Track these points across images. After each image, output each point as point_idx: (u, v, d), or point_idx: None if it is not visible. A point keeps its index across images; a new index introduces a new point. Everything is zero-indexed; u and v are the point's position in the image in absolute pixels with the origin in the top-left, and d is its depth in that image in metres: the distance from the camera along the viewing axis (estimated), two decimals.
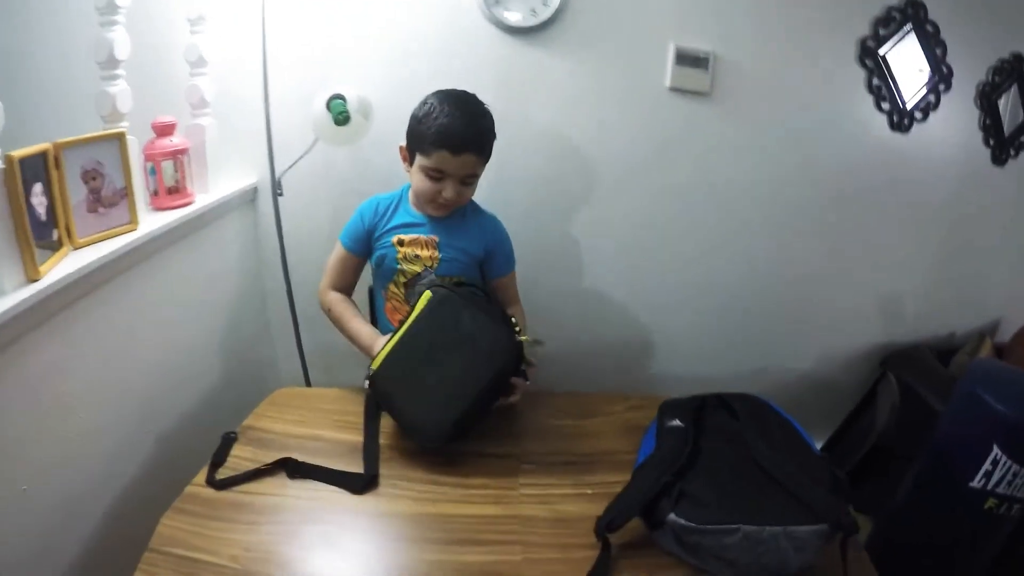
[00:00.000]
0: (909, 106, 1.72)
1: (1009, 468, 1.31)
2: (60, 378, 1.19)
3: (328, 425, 1.35)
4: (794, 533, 0.91)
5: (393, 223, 1.46)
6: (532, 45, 1.67)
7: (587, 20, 1.66)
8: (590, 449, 1.29)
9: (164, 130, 1.48)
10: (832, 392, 1.97)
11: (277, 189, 1.68)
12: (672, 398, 1.28)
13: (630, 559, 1.01)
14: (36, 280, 1.11)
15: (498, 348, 1.25)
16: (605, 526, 1.01)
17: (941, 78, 1.73)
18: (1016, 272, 2.00)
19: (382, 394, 1.28)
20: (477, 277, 1.51)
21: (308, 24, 1.66)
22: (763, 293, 1.91)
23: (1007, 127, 1.84)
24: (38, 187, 1.15)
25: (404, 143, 1.41)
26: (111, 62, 1.33)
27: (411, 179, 1.42)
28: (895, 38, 1.68)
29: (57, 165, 1.20)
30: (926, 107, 1.74)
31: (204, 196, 1.60)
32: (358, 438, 1.30)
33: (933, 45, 1.71)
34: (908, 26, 1.68)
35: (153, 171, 1.46)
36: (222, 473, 1.19)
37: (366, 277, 1.59)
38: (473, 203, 1.49)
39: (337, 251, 1.51)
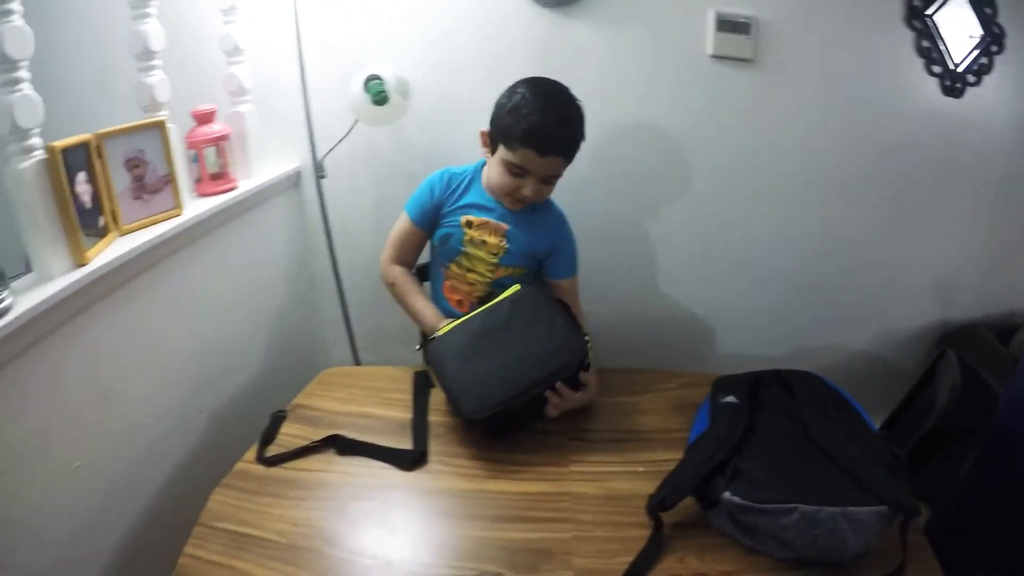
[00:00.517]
0: (961, 69, 1.63)
1: None
2: (110, 360, 1.20)
3: (376, 403, 1.33)
4: (853, 514, 0.86)
5: (463, 201, 1.39)
6: (569, 17, 1.62)
7: None
8: (641, 426, 1.25)
9: (204, 118, 1.47)
10: (888, 372, 1.88)
11: (319, 172, 1.66)
12: (726, 375, 1.23)
13: (682, 539, 0.97)
14: (83, 265, 1.12)
15: (565, 348, 1.20)
16: (657, 504, 0.97)
17: (993, 39, 1.62)
18: None
19: (437, 357, 1.23)
20: (538, 272, 1.46)
21: (341, 6, 1.64)
22: (814, 268, 1.83)
23: None
24: (82, 176, 1.16)
25: (487, 128, 1.34)
26: (147, 54, 1.33)
27: (490, 167, 1.36)
28: None
29: (100, 154, 1.21)
30: (979, 70, 1.63)
31: (247, 181, 1.60)
32: (406, 415, 1.28)
33: (983, 3, 1.61)
34: None
35: (196, 158, 1.46)
36: (271, 451, 1.18)
37: None
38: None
39: (402, 222, 1.44)
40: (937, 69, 1.63)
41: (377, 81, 1.44)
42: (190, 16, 1.58)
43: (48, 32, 1.04)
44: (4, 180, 1.04)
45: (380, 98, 1.43)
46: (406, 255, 1.46)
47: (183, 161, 1.40)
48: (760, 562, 0.92)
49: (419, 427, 1.23)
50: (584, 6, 1.60)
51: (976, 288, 1.84)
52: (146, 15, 1.32)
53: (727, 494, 0.92)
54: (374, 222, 1.78)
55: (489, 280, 1.40)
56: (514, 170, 1.28)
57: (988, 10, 1.61)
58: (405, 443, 1.20)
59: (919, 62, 1.63)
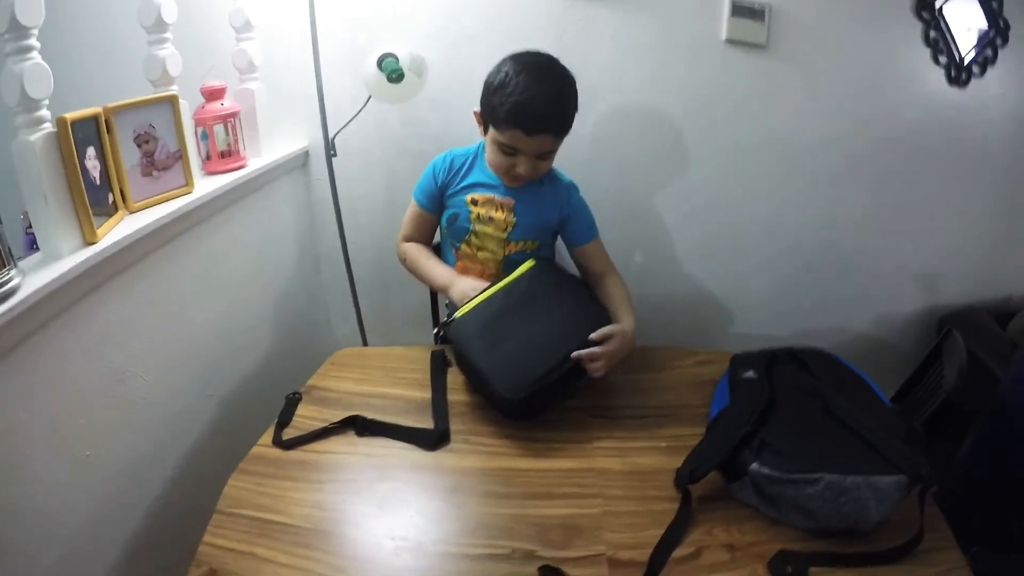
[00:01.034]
0: (966, 60, 1.64)
1: None
2: (120, 342, 1.15)
3: (393, 383, 1.29)
4: (876, 484, 0.87)
5: (467, 181, 1.37)
6: None
7: None
8: (661, 402, 1.23)
9: (214, 94, 1.42)
10: (888, 353, 1.90)
11: (331, 150, 1.62)
12: (742, 352, 1.22)
13: (707, 512, 0.96)
14: (93, 243, 1.07)
15: (591, 318, 1.19)
16: (687, 477, 0.97)
17: (998, 32, 1.63)
18: None
19: (462, 338, 1.19)
20: (551, 246, 1.44)
21: None
22: (818, 251, 1.84)
23: None
24: (91, 151, 1.11)
25: (478, 108, 1.31)
26: (159, 25, 1.28)
27: (486, 147, 1.33)
28: None
29: (109, 129, 1.16)
30: (983, 61, 1.65)
31: (256, 160, 1.56)
32: (424, 395, 1.24)
33: None
34: None
35: (205, 136, 1.42)
36: (288, 433, 1.14)
37: None
38: (552, 169, 1.39)
39: (411, 207, 1.44)
40: (943, 59, 1.64)
41: (392, 59, 1.41)
42: None
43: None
44: (10, 154, 0.99)
45: (396, 76, 1.40)
46: (418, 236, 1.46)
47: (192, 139, 1.36)
48: (785, 532, 0.92)
49: (439, 406, 1.20)
50: None
51: (974, 273, 1.86)
52: None
53: (755, 465, 0.93)
54: (383, 202, 1.75)
55: (500, 256, 1.38)
56: (505, 149, 1.26)
57: (994, 4, 1.63)
58: (425, 423, 1.17)
59: (926, 52, 1.63)
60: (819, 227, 1.82)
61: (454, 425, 1.16)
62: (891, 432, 0.96)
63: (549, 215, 1.37)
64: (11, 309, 0.88)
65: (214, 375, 1.43)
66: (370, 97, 1.50)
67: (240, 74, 1.56)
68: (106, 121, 1.15)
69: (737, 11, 1.57)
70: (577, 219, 1.39)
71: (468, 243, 1.39)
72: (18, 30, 0.95)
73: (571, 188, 1.40)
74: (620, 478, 1.05)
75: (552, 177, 1.39)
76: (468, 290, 1.28)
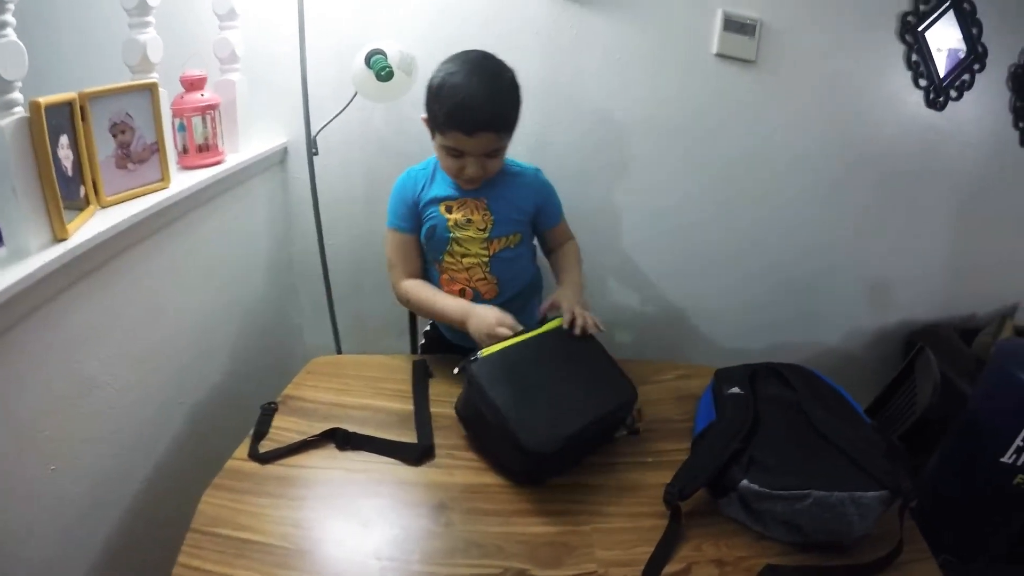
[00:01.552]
0: (945, 84, 1.69)
1: None
2: (89, 347, 1.09)
3: (373, 393, 1.26)
4: (860, 499, 0.90)
5: (433, 193, 1.34)
6: (579, 4, 1.59)
7: None
8: (645, 417, 1.23)
9: (194, 84, 1.36)
10: (857, 367, 1.94)
11: (313, 148, 1.57)
12: (726, 367, 1.24)
13: (695, 528, 0.97)
14: (64, 239, 1.01)
15: (619, 386, 1.16)
16: (677, 494, 0.97)
17: (976, 58, 1.69)
18: None
19: (487, 380, 1.07)
20: (531, 235, 1.43)
21: None
22: (793, 266, 1.87)
23: None
24: (64, 139, 1.04)
25: (425, 114, 1.29)
26: (141, 7, 1.22)
27: (436, 152, 1.31)
28: (934, 15, 1.63)
29: (84, 116, 1.09)
30: (960, 86, 1.70)
31: (234, 156, 1.50)
32: (406, 406, 1.22)
33: (970, 24, 1.67)
34: (947, 3, 1.63)
35: (182, 127, 1.35)
36: (264, 446, 1.10)
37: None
38: (508, 161, 1.37)
39: (391, 239, 1.38)
40: (923, 82, 1.69)
41: (381, 56, 1.37)
42: None
43: None
44: None
45: (385, 74, 1.36)
46: (410, 265, 1.39)
47: (169, 130, 1.30)
48: (771, 547, 0.94)
49: (423, 419, 1.17)
50: None
51: (941, 291, 1.93)
52: None
53: (745, 482, 0.94)
54: (362, 204, 1.71)
55: (486, 257, 1.35)
56: (452, 152, 1.24)
57: (975, 30, 1.68)
58: (408, 436, 1.14)
59: (907, 75, 1.68)
60: (793, 242, 1.85)
61: (438, 439, 1.14)
62: (872, 448, 0.99)
63: (525, 204, 1.36)
64: None
65: (185, 382, 1.37)
66: (356, 94, 1.46)
67: (221, 64, 1.49)
68: (81, 108, 1.09)
69: (729, 26, 1.59)
70: (549, 203, 1.41)
71: (450, 252, 1.36)
72: None
73: (538, 173, 1.41)
74: (609, 494, 1.04)
75: (515, 167, 1.39)
76: (488, 317, 1.21)
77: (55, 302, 1.00)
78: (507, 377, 1.07)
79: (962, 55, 1.69)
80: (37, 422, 0.98)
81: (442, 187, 1.35)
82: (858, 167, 1.77)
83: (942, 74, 1.69)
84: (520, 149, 1.35)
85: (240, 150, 1.54)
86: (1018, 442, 1.32)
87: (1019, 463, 1.33)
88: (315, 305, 1.78)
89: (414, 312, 1.39)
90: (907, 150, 1.75)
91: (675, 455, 1.09)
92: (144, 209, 1.16)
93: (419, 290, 1.36)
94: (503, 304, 1.36)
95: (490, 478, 1.06)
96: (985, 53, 1.70)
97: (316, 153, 1.58)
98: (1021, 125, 1.79)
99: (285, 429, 1.14)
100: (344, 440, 1.12)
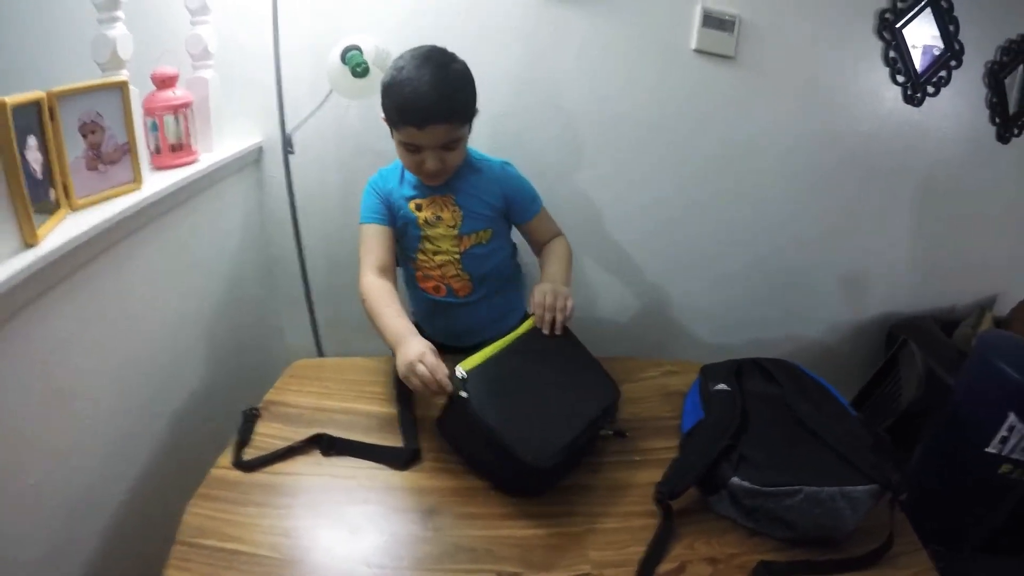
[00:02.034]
0: (922, 80, 1.72)
1: None
2: (64, 356, 1.06)
3: (356, 397, 1.25)
4: (850, 493, 0.91)
5: (403, 191, 1.34)
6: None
7: None
8: (632, 414, 1.23)
9: (166, 82, 1.33)
10: (840, 359, 1.97)
11: (288, 147, 1.55)
12: (712, 363, 1.25)
13: (687, 526, 0.98)
14: (33, 245, 0.97)
15: (604, 387, 1.17)
16: (668, 493, 0.98)
17: (953, 54, 1.73)
18: (1015, 248, 2.03)
19: (477, 404, 1.02)
20: (506, 230, 1.42)
21: None
22: (774, 261, 1.89)
23: (1012, 106, 1.85)
24: (32, 140, 1.01)
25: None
26: (110, 2, 1.19)
27: (396, 150, 1.30)
28: (912, 12, 1.66)
29: (52, 116, 1.06)
30: (938, 82, 1.74)
31: (208, 155, 1.47)
32: (390, 410, 1.21)
33: (947, 21, 1.70)
34: (924, 1, 1.66)
35: (154, 127, 1.33)
36: (248, 453, 1.09)
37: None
38: (476, 155, 1.37)
39: (363, 232, 1.34)
40: (901, 78, 1.72)
41: (356, 52, 1.36)
42: None
43: None
44: None
45: (360, 70, 1.35)
46: (380, 258, 1.31)
47: (141, 130, 1.27)
48: (763, 543, 0.95)
49: (407, 423, 1.16)
50: None
51: (922, 284, 1.97)
52: None
53: (735, 479, 0.95)
54: (338, 203, 1.69)
55: (458, 254, 1.35)
56: (408, 147, 1.24)
57: (951, 27, 1.72)
58: (394, 440, 1.13)
59: (885, 71, 1.71)
60: (774, 238, 1.87)
61: (424, 442, 1.13)
62: (859, 441, 1.01)
63: (492, 198, 1.35)
64: None
65: (162, 391, 1.35)
66: (331, 91, 1.44)
67: (193, 61, 1.46)
68: (49, 108, 1.06)
69: (707, 22, 1.60)
70: (519, 195, 1.39)
71: (422, 251, 1.36)
72: None
73: (504, 165, 1.40)
74: (599, 494, 1.04)
75: (481, 161, 1.38)
76: (409, 354, 1.08)
77: (26, 311, 0.96)
78: (494, 394, 1.05)
79: (939, 52, 1.73)
80: (13, 436, 0.95)
81: (410, 186, 1.34)
82: (837, 163, 1.80)
83: (919, 70, 1.72)
84: (496, 145, 1.35)
85: (214, 149, 1.51)
86: (1002, 432, 1.34)
87: (1003, 453, 1.35)
88: (294, 306, 1.76)
89: (367, 316, 1.28)
90: (886, 145, 1.78)
91: (663, 453, 1.10)
92: (117, 212, 1.13)
93: (375, 297, 1.25)
94: (478, 300, 1.38)
95: (479, 481, 1.06)
96: (962, 50, 1.74)
97: (292, 152, 1.57)
98: (998, 120, 1.84)
99: (269, 435, 1.13)
100: (329, 446, 1.10)
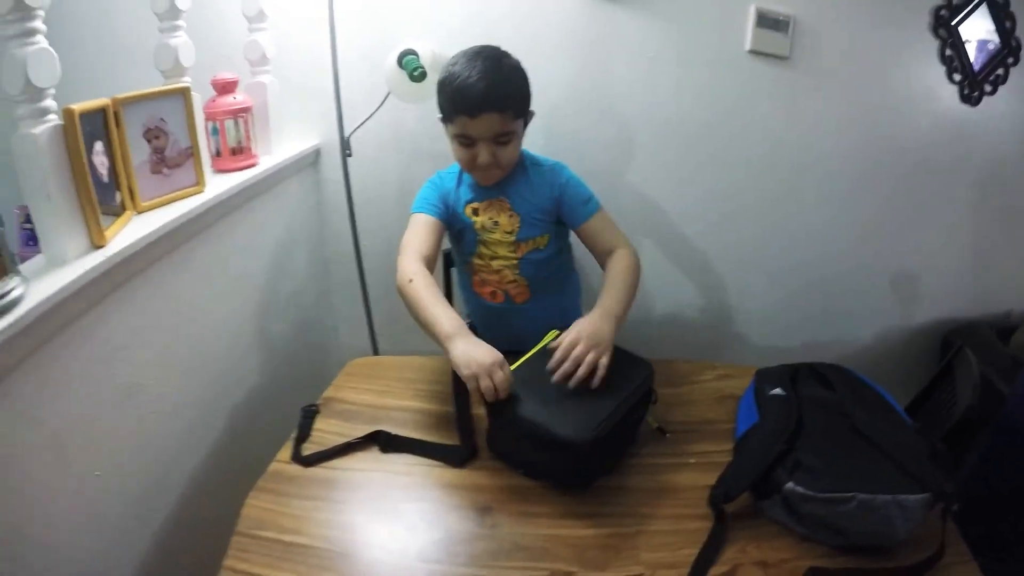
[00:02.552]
0: (979, 78, 1.67)
1: None
2: (129, 353, 1.09)
3: (414, 395, 1.26)
4: (904, 502, 0.88)
5: (462, 192, 1.35)
6: (611, 2, 1.58)
7: None
8: (686, 418, 1.22)
9: (226, 87, 1.37)
10: (893, 365, 1.92)
11: (346, 150, 1.57)
12: (766, 367, 1.22)
13: (739, 529, 0.96)
14: (102, 246, 1.01)
15: (634, 367, 1.15)
16: (722, 496, 0.97)
17: (1010, 51, 1.67)
18: None
19: (511, 405, 1.04)
20: (564, 235, 1.40)
21: None
22: (826, 263, 1.85)
23: None
24: (99, 146, 1.05)
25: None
26: (172, 12, 1.23)
27: (450, 147, 1.30)
28: (967, 8, 1.61)
29: (118, 122, 1.10)
30: (995, 80, 1.68)
31: (268, 158, 1.50)
32: (447, 408, 1.21)
33: (1003, 18, 1.65)
34: None
35: (215, 131, 1.36)
36: (307, 449, 1.10)
37: None
38: (530, 157, 1.35)
39: (413, 220, 1.30)
40: (957, 77, 1.66)
41: (412, 56, 1.36)
42: None
43: None
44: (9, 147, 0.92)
45: (418, 74, 1.35)
46: (426, 249, 1.25)
47: (202, 134, 1.30)
48: (813, 548, 0.93)
49: (464, 421, 1.16)
50: None
51: (977, 288, 1.90)
52: None
53: (790, 484, 0.93)
54: (395, 204, 1.71)
55: (515, 260, 1.34)
56: (462, 141, 1.24)
57: (1008, 24, 1.66)
58: (450, 438, 1.14)
59: (941, 69, 1.66)
60: (827, 239, 1.83)
61: (481, 441, 1.13)
62: (915, 450, 0.98)
63: (544, 202, 1.33)
64: (15, 323, 0.81)
65: (222, 385, 1.38)
66: (388, 94, 1.45)
67: (252, 67, 1.50)
68: (115, 114, 1.09)
69: (762, 22, 1.57)
70: (570, 196, 1.32)
71: (479, 255, 1.36)
72: (22, 10, 0.88)
73: (556, 167, 1.36)
74: (652, 496, 1.03)
75: (534, 163, 1.36)
76: (486, 358, 1.04)
77: (95, 310, 1.00)
78: (526, 393, 1.05)
79: (995, 48, 1.67)
80: (80, 429, 0.99)
81: (468, 189, 1.34)
82: (894, 162, 1.75)
83: (976, 68, 1.67)
84: (551, 147, 1.34)
85: (273, 152, 1.54)
86: None
87: None
88: (350, 306, 1.78)
89: (405, 302, 1.20)
90: (941, 145, 1.72)
91: (717, 456, 1.09)
92: (181, 214, 1.17)
93: (422, 284, 1.17)
94: (536, 306, 1.36)
95: (534, 481, 1.06)
96: (1019, 47, 1.68)
97: (350, 154, 1.58)
98: None
99: (327, 431, 1.15)
100: (387, 443, 1.11)
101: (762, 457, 0.99)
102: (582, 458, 1.01)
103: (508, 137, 1.24)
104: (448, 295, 1.44)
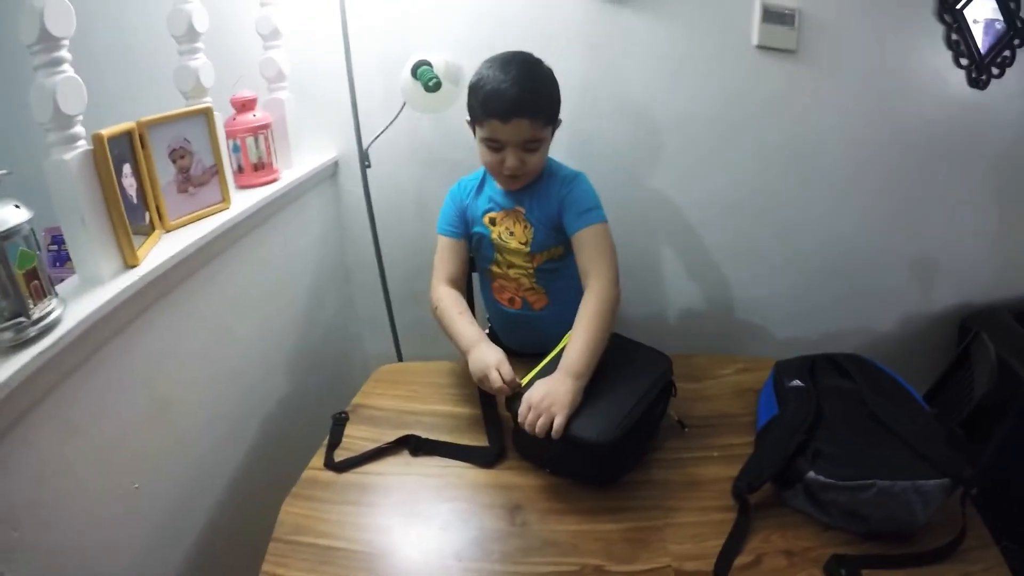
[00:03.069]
0: (986, 62, 1.65)
1: None
2: (164, 367, 1.12)
3: (441, 399, 1.28)
4: (923, 488, 0.89)
5: (480, 200, 1.36)
6: (617, 3, 1.59)
7: None
8: (707, 411, 1.23)
9: (245, 105, 1.39)
10: (911, 352, 1.90)
11: (365, 161, 1.59)
12: (785, 359, 1.23)
13: (762, 519, 0.98)
14: (135, 266, 1.04)
15: (652, 362, 1.17)
16: (746, 487, 0.98)
17: (1016, 33, 1.65)
18: None
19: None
20: None
21: None
22: (842, 253, 1.84)
23: None
24: (127, 168, 1.07)
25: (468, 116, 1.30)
26: (190, 35, 1.25)
27: (477, 150, 1.30)
28: None
29: (144, 144, 1.12)
30: (1002, 62, 1.66)
31: (289, 172, 1.53)
32: (474, 410, 1.23)
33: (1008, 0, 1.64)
34: None
35: (237, 148, 1.38)
36: (339, 455, 1.13)
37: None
38: (552, 167, 1.33)
39: (439, 244, 1.38)
40: (964, 61, 1.65)
41: (427, 67, 1.38)
42: None
43: None
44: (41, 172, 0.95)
45: (432, 84, 1.36)
46: (451, 269, 1.35)
47: (224, 151, 1.32)
48: (836, 536, 0.94)
49: (493, 422, 1.18)
50: None
51: (994, 274, 1.87)
52: None
53: (812, 473, 0.94)
54: (413, 213, 1.73)
55: (531, 270, 1.36)
56: (491, 145, 1.24)
57: (1012, 5, 1.64)
58: (479, 440, 1.16)
59: (948, 54, 1.64)
60: (842, 228, 1.82)
61: (508, 442, 1.15)
62: (933, 436, 0.99)
63: (552, 211, 1.31)
64: (55, 344, 0.84)
65: (253, 396, 1.40)
66: (404, 105, 1.47)
67: (268, 83, 1.52)
68: (140, 136, 1.11)
69: (768, 16, 1.57)
70: (570, 203, 1.27)
71: (497, 263, 1.38)
72: (48, 41, 0.90)
73: (570, 177, 1.32)
74: (677, 489, 1.05)
75: (551, 173, 1.33)
76: (488, 359, 1.14)
77: (130, 327, 1.03)
78: None
79: (1002, 30, 1.66)
80: (120, 442, 1.01)
81: (487, 198, 1.35)
82: (904, 150, 1.73)
83: (983, 51, 1.65)
84: (562, 148, 1.34)
85: (293, 166, 1.56)
86: None
87: None
88: (372, 314, 1.80)
89: (438, 323, 1.31)
90: (951, 130, 1.71)
91: (739, 449, 1.10)
92: (211, 231, 1.19)
93: (446, 305, 1.29)
94: (553, 313, 1.37)
95: (561, 478, 1.08)
96: None
97: (369, 165, 1.60)
98: None
99: (358, 437, 1.17)
100: (417, 446, 1.14)
101: (783, 448, 1.01)
102: (606, 457, 1.03)
103: (537, 144, 1.24)
104: (470, 301, 1.45)
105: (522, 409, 1.05)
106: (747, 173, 1.75)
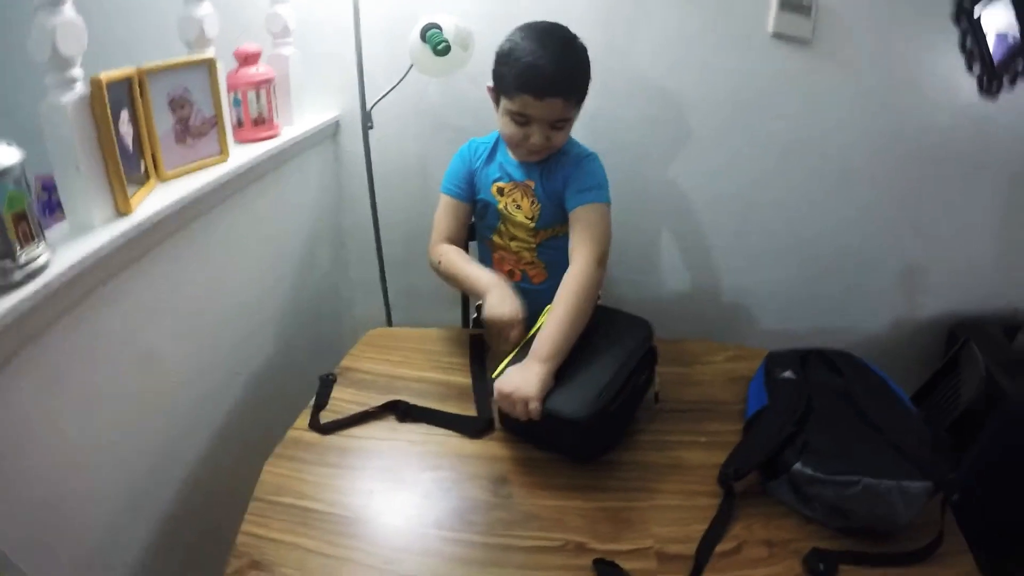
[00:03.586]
0: (999, 71, 1.63)
1: None
2: (151, 320, 1.10)
3: (431, 366, 1.26)
4: (908, 489, 0.89)
5: (491, 167, 1.33)
6: None
7: None
8: (697, 397, 1.22)
9: (248, 59, 1.35)
10: (898, 356, 1.89)
11: (368, 122, 1.55)
12: (777, 350, 1.22)
13: (745, 508, 0.97)
14: (127, 214, 1.01)
15: (631, 328, 1.15)
16: (732, 474, 0.98)
17: None
18: None
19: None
20: None
21: None
22: (839, 251, 1.83)
23: None
24: (124, 115, 1.04)
25: (491, 83, 1.26)
26: None
27: (498, 122, 1.26)
28: None
29: (143, 92, 1.09)
30: (1014, 73, 1.65)
31: (289, 129, 1.49)
32: (464, 379, 1.22)
33: None
34: None
35: (237, 102, 1.35)
36: (325, 417, 1.11)
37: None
38: (570, 143, 1.30)
39: (441, 202, 1.35)
40: (977, 69, 1.62)
41: (436, 31, 1.34)
42: None
43: None
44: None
45: (442, 48, 1.32)
46: (451, 230, 1.34)
47: (225, 104, 1.29)
48: (818, 531, 0.93)
49: (482, 393, 1.16)
50: None
51: (986, 284, 1.87)
52: None
53: (798, 465, 0.94)
54: (415, 177, 1.70)
55: (533, 245, 1.34)
56: (517, 119, 1.20)
57: None
58: (467, 409, 1.14)
59: (961, 60, 1.62)
60: (842, 228, 1.81)
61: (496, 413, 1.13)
62: (919, 438, 0.98)
63: (559, 187, 1.28)
64: (41, 289, 0.81)
65: (240, 353, 1.38)
66: (411, 67, 1.43)
67: (274, 38, 1.48)
68: (140, 83, 1.08)
69: (785, 4, 1.54)
70: (575, 180, 1.25)
71: (500, 234, 1.35)
72: None
73: (582, 156, 1.29)
74: (663, 471, 1.04)
75: (566, 151, 1.30)
76: (506, 313, 1.14)
77: (118, 277, 1.00)
78: None
79: (1015, 41, 1.63)
80: (104, 395, 0.99)
81: (498, 166, 1.32)
82: (909, 152, 1.71)
83: (996, 61, 1.63)
84: (576, 125, 1.31)
85: (294, 123, 1.53)
86: None
87: None
88: (365, 277, 1.77)
89: (442, 278, 1.30)
90: (959, 137, 1.69)
91: (728, 436, 1.09)
92: (207, 183, 1.16)
93: (453, 254, 1.29)
94: (552, 288, 1.34)
95: (547, 452, 1.06)
96: None
97: (371, 127, 1.57)
98: None
99: (344, 400, 1.15)
100: (405, 412, 1.12)
101: (772, 437, 1.00)
102: (586, 432, 1.01)
103: (564, 123, 1.22)
104: None
105: (496, 398, 1.04)
106: (752, 164, 1.73)
